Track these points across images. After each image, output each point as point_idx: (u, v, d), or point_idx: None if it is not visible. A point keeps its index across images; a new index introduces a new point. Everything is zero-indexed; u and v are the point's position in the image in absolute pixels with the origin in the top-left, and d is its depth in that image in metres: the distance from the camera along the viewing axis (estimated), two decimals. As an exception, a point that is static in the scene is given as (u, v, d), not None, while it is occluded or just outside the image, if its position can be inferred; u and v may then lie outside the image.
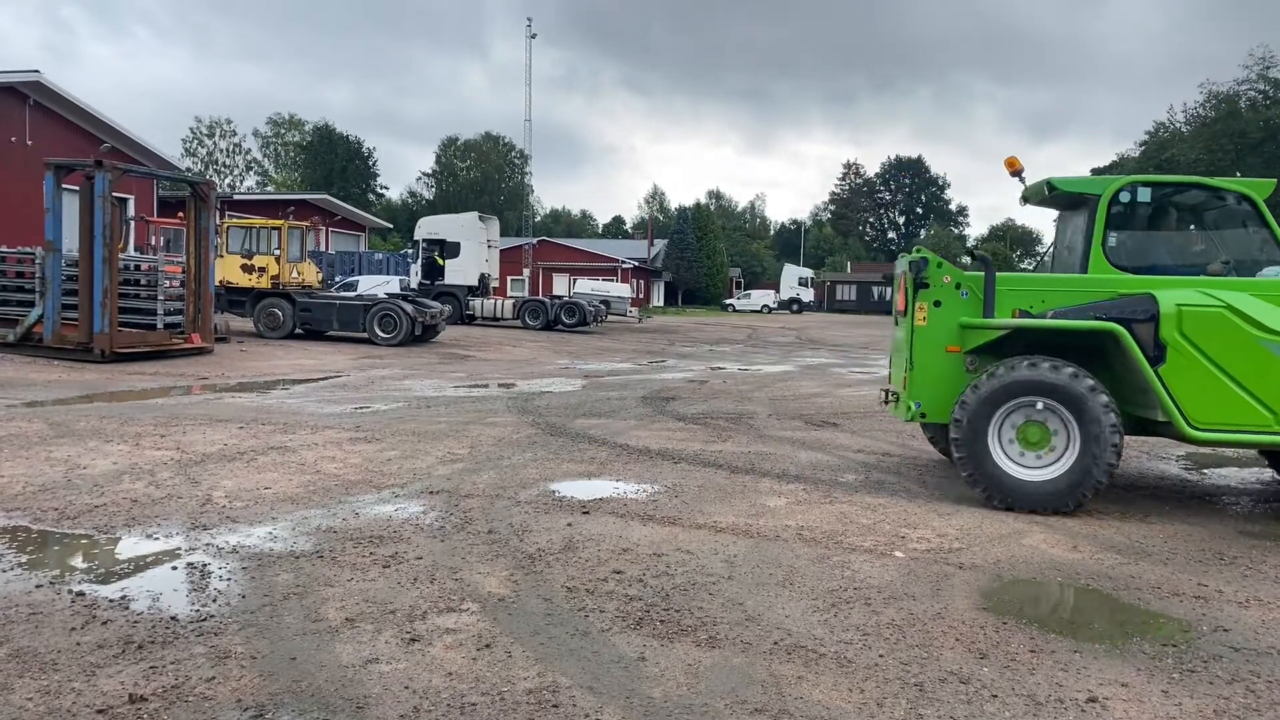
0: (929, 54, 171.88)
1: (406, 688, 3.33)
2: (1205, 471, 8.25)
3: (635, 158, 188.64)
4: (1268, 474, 8.05)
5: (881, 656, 3.74)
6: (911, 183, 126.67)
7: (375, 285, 31.27)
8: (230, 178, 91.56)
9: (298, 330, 21.84)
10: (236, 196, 46.51)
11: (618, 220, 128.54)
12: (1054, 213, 8.27)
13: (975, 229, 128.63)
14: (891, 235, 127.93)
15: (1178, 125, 76.33)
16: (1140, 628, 4.21)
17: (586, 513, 5.99)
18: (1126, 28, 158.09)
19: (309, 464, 7.32)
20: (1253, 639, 4.04)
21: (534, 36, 56.09)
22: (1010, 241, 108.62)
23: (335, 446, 8.10)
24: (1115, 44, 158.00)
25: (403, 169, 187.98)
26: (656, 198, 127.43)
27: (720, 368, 18.47)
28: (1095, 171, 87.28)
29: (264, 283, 21.70)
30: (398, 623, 3.97)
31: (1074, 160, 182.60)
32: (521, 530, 5.51)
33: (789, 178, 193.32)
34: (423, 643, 3.76)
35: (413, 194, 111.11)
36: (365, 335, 21.20)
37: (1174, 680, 3.58)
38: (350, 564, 4.78)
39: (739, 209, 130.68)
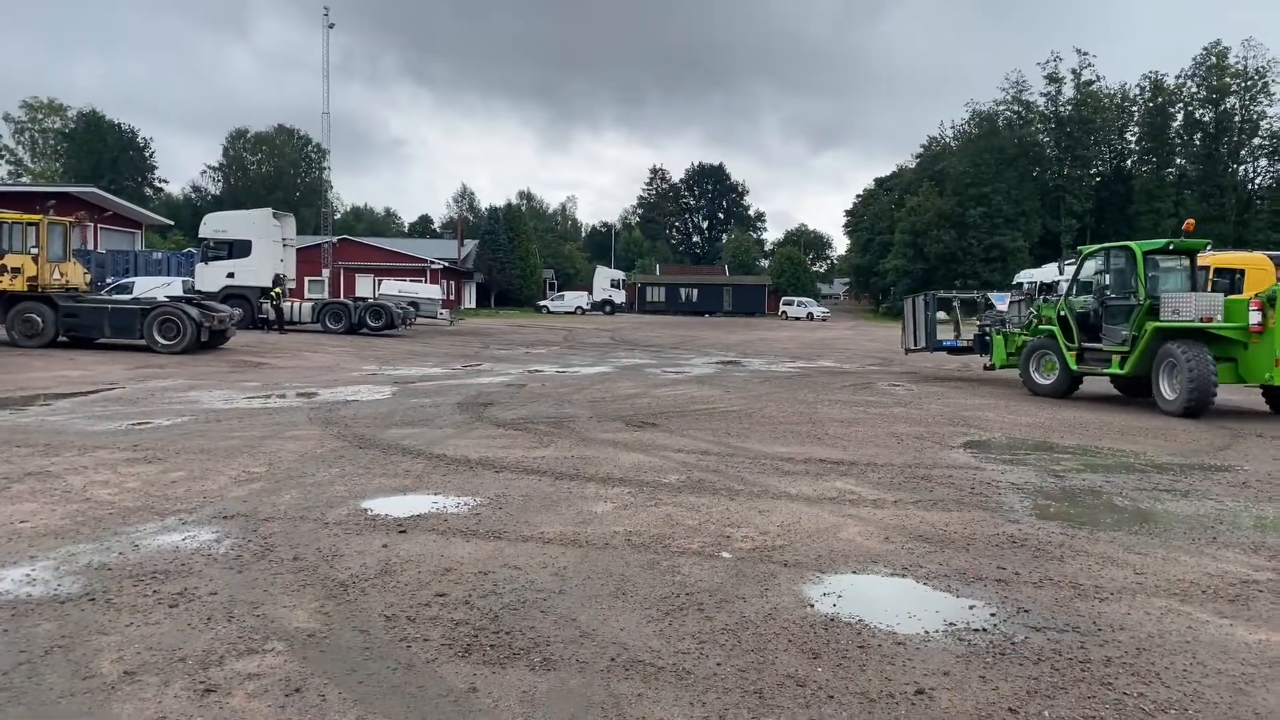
0: (718, 59, 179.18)
1: (202, 749, 2.94)
2: (988, 459, 8.93)
3: (428, 152, 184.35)
4: (1032, 458, 8.85)
5: (719, 665, 3.69)
6: (714, 189, 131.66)
7: (154, 287, 28.62)
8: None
9: (62, 338, 19.57)
10: None
11: (425, 219, 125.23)
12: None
13: (772, 233, 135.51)
14: (696, 239, 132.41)
15: (947, 140, 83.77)
16: (952, 614, 4.41)
17: (403, 531, 5.61)
18: (895, 42, 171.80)
19: (76, 490, 6.45)
20: (1050, 618, 4.33)
21: (331, 26, 53.45)
22: (804, 245, 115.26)
23: (109, 469, 7.21)
24: (886, 57, 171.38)
25: (180, 161, 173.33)
26: (466, 197, 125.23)
27: (537, 370, 18.24)
28: (878, 181, 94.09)
29: (18, 285, 19.27)
30: (189, 671, 3.50)
31: (853, 169, 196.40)
32: (331, 555, 5.08)
33: (588, 179, 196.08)
34: (220, 693, 3.33)
35: (197, 189, 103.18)
36: (143, 343, 19.30)
37: (989, 665, 3.76)
38: (129, 606, 4.19)
39: (550, 210, 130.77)
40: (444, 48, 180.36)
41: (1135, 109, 75.97)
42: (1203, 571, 5.17)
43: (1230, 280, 22.29)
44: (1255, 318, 11.97)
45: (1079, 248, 16.21)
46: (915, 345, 19.27)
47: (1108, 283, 14.10)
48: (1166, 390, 12.55)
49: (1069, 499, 7.13)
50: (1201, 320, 12.26)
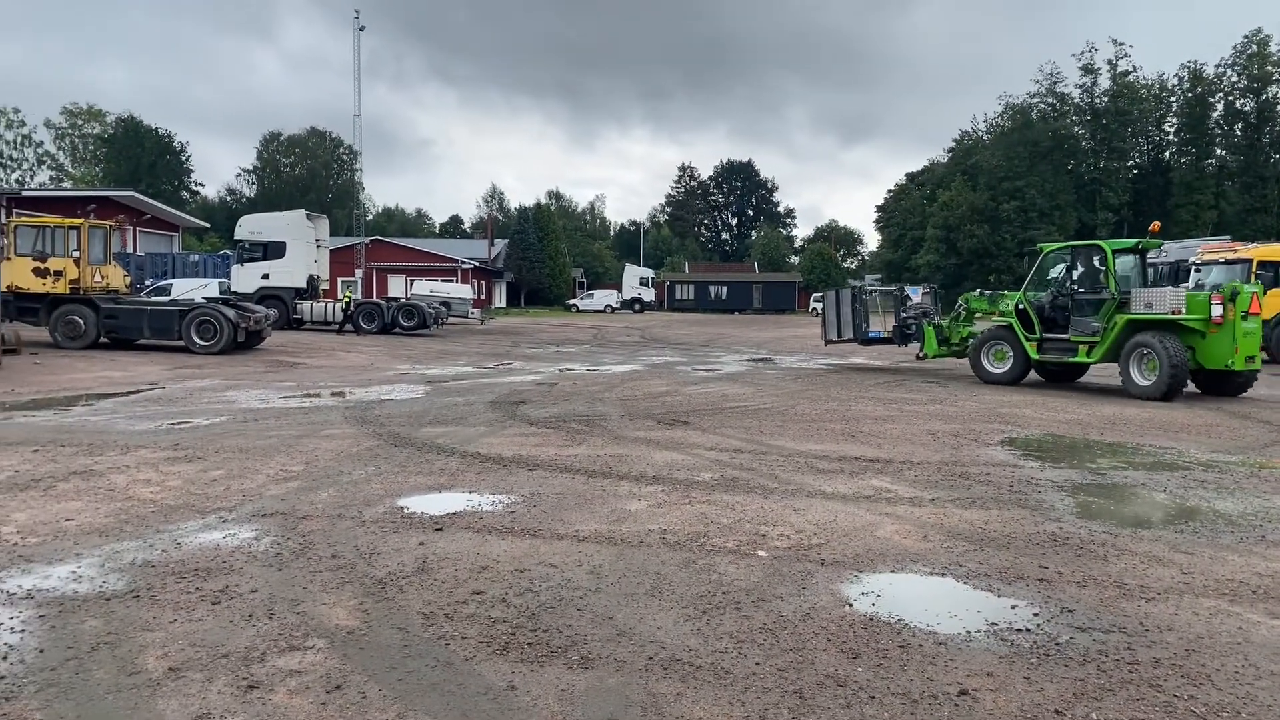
0: (741, 53, 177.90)
1: (246, 745, 2.96)
2: (1027, 457, 8.80)
3: (455, 152, 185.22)
4: (1072, 455, 8.70)
5: (758, 664, 3.66)
6: (742, 185, 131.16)
7: (191, 289, 29.10)
8: (19, 173, 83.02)
9: (103, 339, 19.94)
10: (26, 193, 42.11)
11: (455, 219, 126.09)
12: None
13: (802, 230, 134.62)
14: (725, 236, 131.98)
15: (980, 134, 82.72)
16: (994, 614, 4.34)
17: (439, 529, 5.64)
18: (923, 33, 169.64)
19: (119, 489, 6.56)
20: (1095, 619, 4.25)
21: (362, 29, 53.95)
22: (834, 241, 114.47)
23: (150, 468, 7.33)
24: (914, 49, 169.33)
25: (209, 163, 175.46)
26: (495, 197, 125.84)
27: (568, 369, 18.28)
28: (909, 176, 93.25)
29: (61, 287, 19.66)
30: (232, 668, 3.54)
31: (883, 164, 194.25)
32: (369, 553, 5.11)
33: (615, 176, 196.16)
34: (263, 689, 3.36)
35: (232, 191, 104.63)
36: (181, 343, 19.61)
37: (1033, 666, 3.69)
38: (173, 603, 4.25)
39: (579, 209, 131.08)
40: (466, 47, 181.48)
41: (1174, 99, 74.49)
42: (1252, 571, 5.05)
43: (1274, 273, 21.91)
44: (1218, 310, 13.24)
45: (1038, 245, 17.35)
46: (839, 336, 19.97)
47: (1075, 278, 15.04)
48: (1138, 377, 13.71)
49: (1111, 497, 7.00)
50: (1174, 312, 13.48)
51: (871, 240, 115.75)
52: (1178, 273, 26.37)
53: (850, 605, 4.40)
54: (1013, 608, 4.39)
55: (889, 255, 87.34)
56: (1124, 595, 4.59)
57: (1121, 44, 73.43)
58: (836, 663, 3.69)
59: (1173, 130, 76.08)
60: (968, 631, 4.07)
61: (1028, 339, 15.28)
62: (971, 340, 16.65)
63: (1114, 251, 14.53)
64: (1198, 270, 23.49)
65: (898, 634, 4.02)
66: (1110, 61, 73.72)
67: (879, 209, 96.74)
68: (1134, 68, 73.89)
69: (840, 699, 3.36)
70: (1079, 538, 5.68)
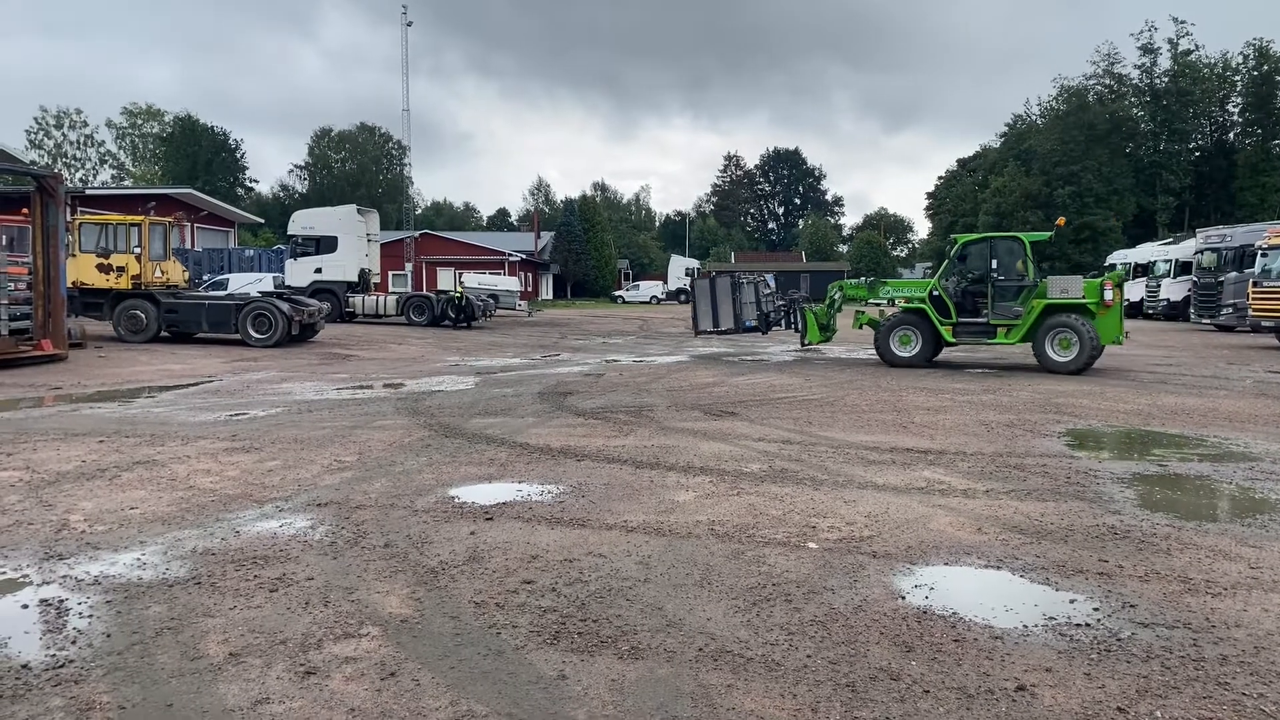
0: (779, 38, 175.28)
1: (304, 730, 3.01)
2: (1085, 447, 8.59)
3: (498, 144, 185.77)
4: (1132, 446, 8.47)
5: (809, 657, 3.63)
6: (789, 174, 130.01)
7: (247, 283, 29.76)
8: (82, 172, 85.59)
9: (163, 333, 20.49)
10: (90, 192, 43.45)
11: (502, 212, 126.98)
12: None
13: (850, 218, 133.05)
14: (772, 225, 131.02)
15: (1033, 118, 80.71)
16: (1052, 608, 4.24)
17: (490, 519, 5.69)
18: (970, 13, 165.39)
19: (181, 479, 6.73)
20: (1158, 614, 4.13)
21: (410, 24, 54.47)
22: (883, 229, 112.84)
23: (210, 458, 7.51)
24: (961, 29, 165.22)
25: (265, 161, 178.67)
26: (541, 189, 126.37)
27: (615, 360, 18.31)
28: (960, 162, 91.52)
29: (124, 283, 20.23)
30: (290, 654, 3.61)
31: (931, 149, 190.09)
32: (421, 542, 5.18)
33: (657, 166, 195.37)
34: (320, 675, 3.42)
35: (285, 187, 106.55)
36: (238, 336, 20.06)
37: (1094, 662, 3.60)
38: (232, 590, 4.35)
39: (624, 201, 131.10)
40: (505, 39, 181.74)
41: (1238, 79, 71.80)
42: (1325, 566, 4.86)
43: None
44: (1109, 295, 15.25)
45: (953, 236, 18.33)
46: (716, 326, 19.23)
47: (994, 267, 16.13)
48: (1054, 354, 15.44)
49: (1174, 489, 6.81)
50: (1083, 297, 15.36)
51: (922, 228, 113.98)
52: (1243, 257, 25.48)
53: (903, 598, 4.33)
54: (1071, 602, 4.29)
55: (939, 243, 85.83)
56: (1189, 590, 4.45)
57: (1183, 22, 71.03)
58: (889, 656, 3.64)
59: (1237, 111, 73.33)
60: (1025, 626, 3.98)
61: (943, 323, 16.28)
62: (878, 325, 17.19)
63: (1032, 243, 16.12)
64: (1264, 254, 22.69)
65: (952, 627, 3.95)
66: (1171, 40, 71.31)
67: (929, 196, 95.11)
68: (1196, 46, 71.42)
69: (893, 693, 3.31)
70: (1140, 531, 5.53)
